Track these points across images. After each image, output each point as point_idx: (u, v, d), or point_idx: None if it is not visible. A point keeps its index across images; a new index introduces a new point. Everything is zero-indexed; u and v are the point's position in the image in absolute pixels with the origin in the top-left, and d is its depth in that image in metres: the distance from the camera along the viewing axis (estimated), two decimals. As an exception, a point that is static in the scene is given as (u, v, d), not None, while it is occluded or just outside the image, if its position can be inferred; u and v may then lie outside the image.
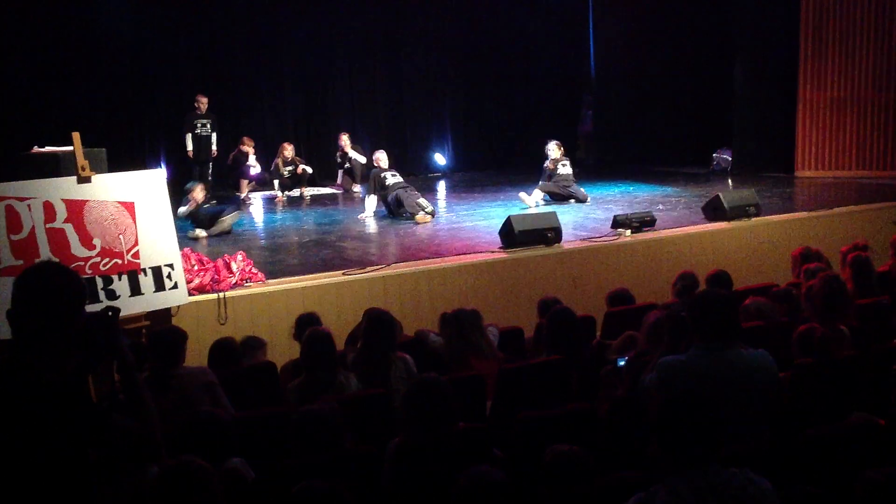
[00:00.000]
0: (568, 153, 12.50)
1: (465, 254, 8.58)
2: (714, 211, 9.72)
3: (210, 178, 12.90)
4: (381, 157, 11.70)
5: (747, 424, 3.50)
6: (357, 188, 13.88)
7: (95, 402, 2.56)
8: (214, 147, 13.02)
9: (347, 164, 14.07)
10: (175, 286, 6.40)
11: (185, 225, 9.87)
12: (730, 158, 14.78)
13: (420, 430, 3.62)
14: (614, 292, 6.97)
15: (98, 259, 6.01)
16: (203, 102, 12.93)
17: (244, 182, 13.18)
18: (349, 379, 4.83)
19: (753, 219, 9.63)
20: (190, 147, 12.81)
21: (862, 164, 13.35)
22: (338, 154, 14.18)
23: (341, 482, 2.91)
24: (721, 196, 9.68)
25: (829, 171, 13.51)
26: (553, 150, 12.03)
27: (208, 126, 12.94)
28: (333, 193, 14.08)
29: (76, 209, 5.97)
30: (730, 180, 13.70)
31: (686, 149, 15.61)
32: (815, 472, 3.41)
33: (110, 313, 2.58)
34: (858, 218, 10.10)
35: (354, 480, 3.26)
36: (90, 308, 2.58)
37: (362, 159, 13.96)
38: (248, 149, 13.25)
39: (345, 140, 14.02)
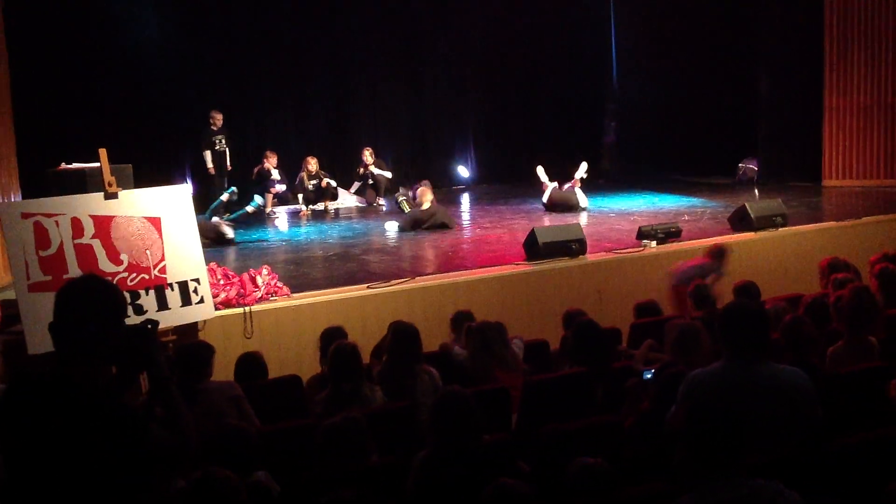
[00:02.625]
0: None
1: (489, 266, 8.57)
2: (740, 221, 9.64)
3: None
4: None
5: (778, 440, 3.45)
6: (381, 201, 13.93)
7: (133, 413, 2.58)
8: (229, 161, 13.28)
9: (370, 180, 14.12)
10: (201, 301, 6.44)
11: None
12: (756, 168, 14.65)
13: (445, 443, 3.62)
14: (642, 304, 6.95)
15: (125, 274, 6.06)
16: (218, 119, 13.15)
17: (269, 196, 13.27)
18: (374, 392, 4.84)
19: (780, 229, 9.55)
20: (210, 164, 13.07)
21: (890, 173, 13.17)
22: (360, 168, 14.23)
23: (366, 495, 2.91)
24: (747, 206, 9.61)
25: (857, 179, 13.35)
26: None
27: (224, 141, 13.20)
28: (357, 207, 14.13)
29: (103, 225, 6.03)
30: (756, 190, 13.58)
31: (711, 159, 15.46)
32: (844, 483, 3.36)
33: (150, 326, 2.61)
34: (887, 227, 9.97)
35: (379, 493, 3.27)
36: (127, 321, 2.61)
37: (387, 174, 14.02)
38: (272, 163, 13.35)
39: (367, 156, 14.06)
